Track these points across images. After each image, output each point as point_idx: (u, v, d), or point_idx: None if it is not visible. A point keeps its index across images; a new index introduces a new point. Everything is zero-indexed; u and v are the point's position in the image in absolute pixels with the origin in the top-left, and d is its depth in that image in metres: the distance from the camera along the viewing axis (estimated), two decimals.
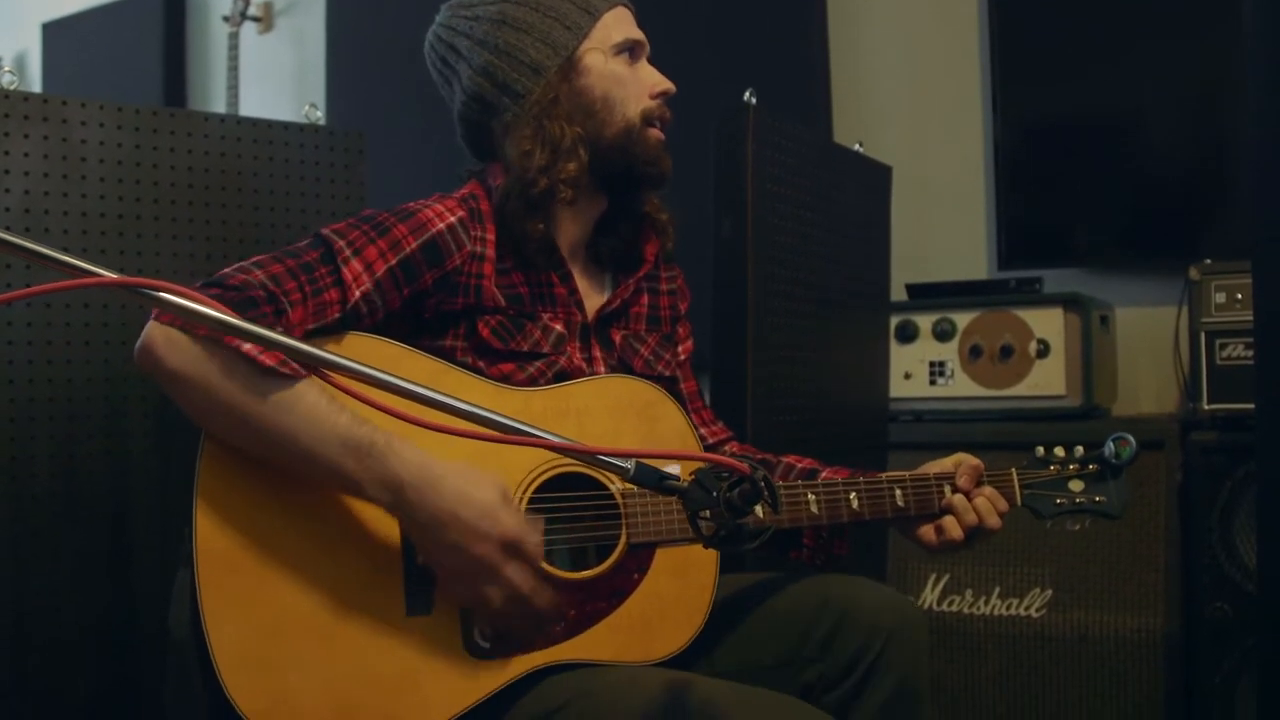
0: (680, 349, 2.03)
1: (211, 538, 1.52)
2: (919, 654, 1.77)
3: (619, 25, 1.88)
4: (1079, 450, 1.97)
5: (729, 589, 1.84)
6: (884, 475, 1.88)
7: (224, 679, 1.49)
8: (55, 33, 5.57)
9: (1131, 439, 1.93)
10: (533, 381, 1.77)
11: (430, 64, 1.95)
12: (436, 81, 1.96)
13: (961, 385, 3.27)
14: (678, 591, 1.75)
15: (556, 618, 1.63)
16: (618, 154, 1.85)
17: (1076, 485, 1.95)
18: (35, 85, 5.56)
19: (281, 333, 1.53)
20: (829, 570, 2.01)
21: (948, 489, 1.89)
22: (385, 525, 1.59)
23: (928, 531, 1.90)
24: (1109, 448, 1.94)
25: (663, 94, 1.89)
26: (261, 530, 1.54)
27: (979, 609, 3.12)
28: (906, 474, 1.89)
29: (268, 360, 1.51)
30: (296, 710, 1.52)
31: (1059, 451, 1.97)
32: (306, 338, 1.59)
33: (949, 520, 1.88)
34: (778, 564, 2.01)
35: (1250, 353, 2.78)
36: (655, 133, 1.88)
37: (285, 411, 1.51)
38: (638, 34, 1.90)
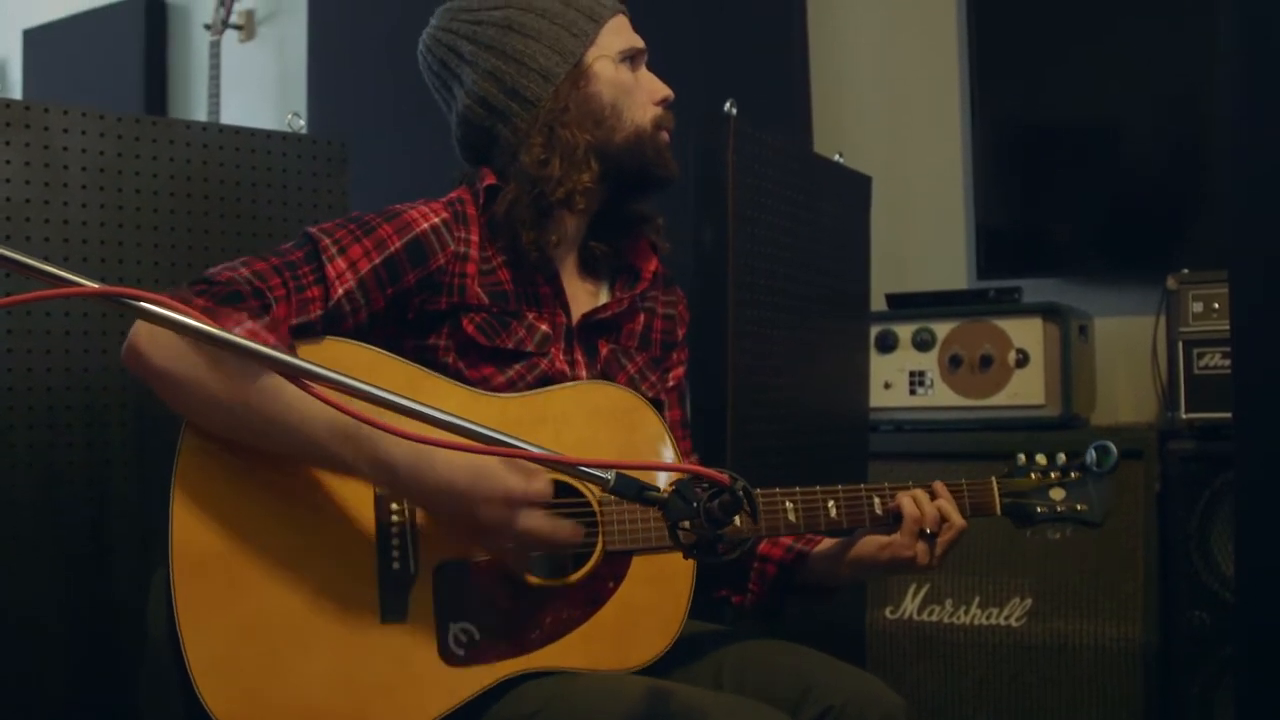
0: (670, 375, 1.99)
1: (187, 539, 1.52)
2: None
3: (621, 33, 1.89)
4: (1060, 458, 1.95)
5: (704, 662, 1.81)
6: (863, 485, 1.87)
7: (196, 681, 1.49)
8: (37, 39, 5.55)
9: (1113, 446, 1.91)
10: (511, 385, 1.76)
11: (425, 66, 1.94)
12: (430, 84, 1.95)
13: (941, 395, 3.28)
14: (653, 601, 1.74)
15: (578, 540, 1.62)
16: (630, 158, 1.85)
17: (1058, 494, 1.93)
18: (16, 92, 5.54)
19: (268, 324, 1.56)
20: (768, 620, 1.98)
21: (923, 494, 1.86)
22: (361, 531, 1.60)
23: (921, 551, 1.84)
24: (1090, 455, 1.92)
25: (664, 100, 1.89)
26: (237, 533, 1.54)
27: (959, 618, 3.13)
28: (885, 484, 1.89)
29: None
30: (269, 714, 1.52)
31: (1040, 459, 1.95)
32: (292, 334, 1.61)
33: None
34: (713, 610, 1.95)
35: (1228, 362, 2.79)
36: (665, 135, 1.88)
37: (273, 397, 1.52)
38: (639, 41, 1.90)
